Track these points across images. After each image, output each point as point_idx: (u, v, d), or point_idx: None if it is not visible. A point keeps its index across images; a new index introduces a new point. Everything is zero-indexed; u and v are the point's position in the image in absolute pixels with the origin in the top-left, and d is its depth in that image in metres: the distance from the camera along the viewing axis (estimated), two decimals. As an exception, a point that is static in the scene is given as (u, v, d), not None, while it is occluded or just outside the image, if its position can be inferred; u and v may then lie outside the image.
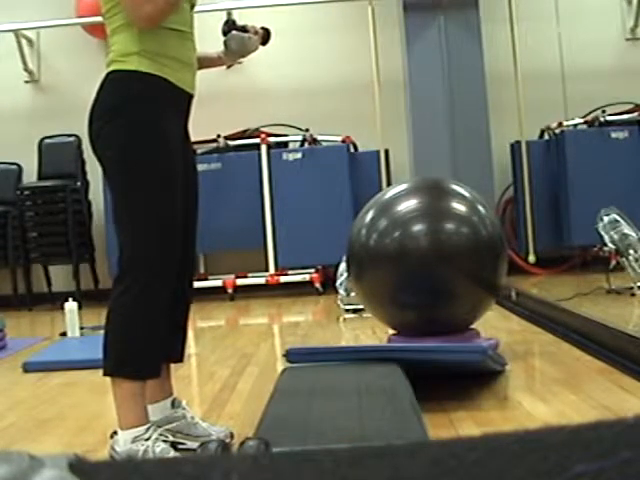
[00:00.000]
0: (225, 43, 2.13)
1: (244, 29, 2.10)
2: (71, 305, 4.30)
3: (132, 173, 1.90)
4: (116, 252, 1.94)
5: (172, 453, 1.94)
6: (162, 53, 1.92)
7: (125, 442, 1.89)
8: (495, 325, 3.78)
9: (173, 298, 1.97)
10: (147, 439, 1.89)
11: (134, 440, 1.89)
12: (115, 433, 1.94)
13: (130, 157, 1.89)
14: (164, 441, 1.94)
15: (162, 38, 1.92)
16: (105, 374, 1.92)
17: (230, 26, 2.08)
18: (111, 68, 1.93)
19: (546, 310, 3.83)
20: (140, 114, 1.89)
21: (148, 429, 1.91)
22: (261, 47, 2.18)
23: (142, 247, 1.89)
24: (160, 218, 1.90)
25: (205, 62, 2.22)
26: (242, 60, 2.23)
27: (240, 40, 2.11)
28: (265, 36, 2.18)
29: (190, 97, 2.05)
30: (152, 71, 1.90)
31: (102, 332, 1.95)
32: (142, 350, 1.91)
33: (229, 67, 2.26)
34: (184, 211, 2.00)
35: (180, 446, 2.06)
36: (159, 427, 1.98)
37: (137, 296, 1.88)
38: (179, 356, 2.16)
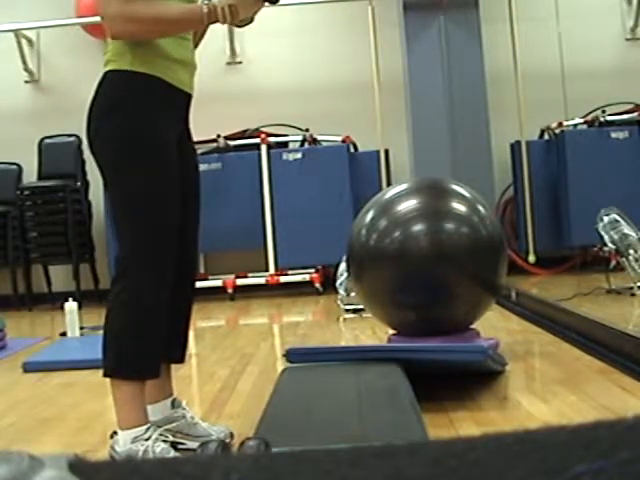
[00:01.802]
0: None
1: None
2: (71, 305, 4.30)
3: (127, 172, 1.90)
4: (116, 252, 1.94)
5: (172, 453, 1.94)
6: (156, 53, 1.92)
7: (125, 442, 1.89)
8: (495, 325, 3.78)
9: (172, 298, 1.97)
10: (147, 439, 1.89)
11: (134, 440, 1.89)
12: (115, 433, 1.94)
13: (125, 157, 1.89)
14: (164, 441, 1.94)
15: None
16: (104, 375, 1.92)
17: None
18: (107, 68, 1.93)
19: (546, 310, 3.83)
20: (135, 113, 1.89)
21: (148, 429, 1.91)
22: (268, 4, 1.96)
23: (137, 247, 1.89)
24: (156, 217, 1.90)
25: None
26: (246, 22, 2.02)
27: None
28: None
29: (188, 97, 2.05)
30: (146, 70, 1.90)
31: (102, 332, 1.95)
32: (140, 350, 1.90)
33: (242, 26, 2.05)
34: (183, 211, 2.00)
35: (180, 446, 2.06)
36: (159, 427, 1.97)
37: (134, 296, 1.88)
38: (180, 357, 2.16)
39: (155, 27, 1.86)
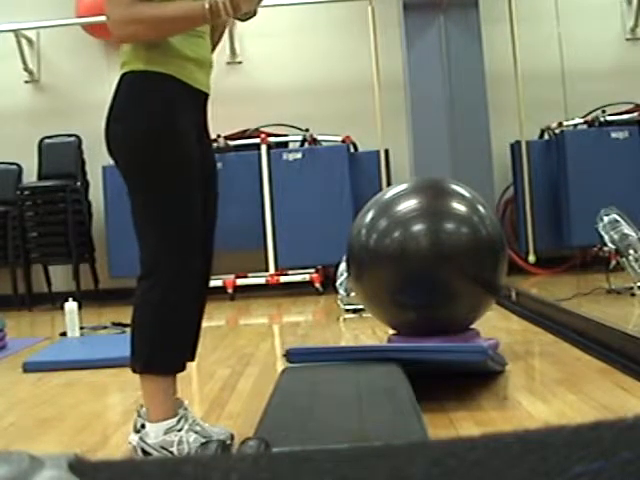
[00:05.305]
0: None
1: None
2: (71, 305, 4.30)
3: (147, 173, 1.89)
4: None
5: (203, 441, 1.96)
6: (170, 53, 1.91)
7: (157, 434, 1.91)
8: (495, 325, 3.78)
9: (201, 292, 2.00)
10: (179, 430, 1.93)
11: (167, 431, 1.92)
12: (142, 427, 1.95)
13: (144, 156, 1.88)
14: (195, 432, 1.96)
15: (170, 38, 1.91)
16: (134, 371, 1.94)
17: None
18: (123, 70, 1.93)
19: (546, 310, 3.83)
20: (152, 112, 1.89)
21: (179, 420, 1.94)
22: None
23: (163, 246, 1.89)
24: (181, 217, 1.90)
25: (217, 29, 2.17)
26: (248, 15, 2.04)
27: None
28: None
29: (205, 96, 2.04)
30: (160, 70, 1.89)
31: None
32: (172, 345, 1.93)
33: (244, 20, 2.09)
34: (202, 208, 1.99)
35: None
36: (188, 419, 1.98)
37: (165, 291, 1.89)
38: (192, 355, 2.16)
39: (158, 27, 1.85)
